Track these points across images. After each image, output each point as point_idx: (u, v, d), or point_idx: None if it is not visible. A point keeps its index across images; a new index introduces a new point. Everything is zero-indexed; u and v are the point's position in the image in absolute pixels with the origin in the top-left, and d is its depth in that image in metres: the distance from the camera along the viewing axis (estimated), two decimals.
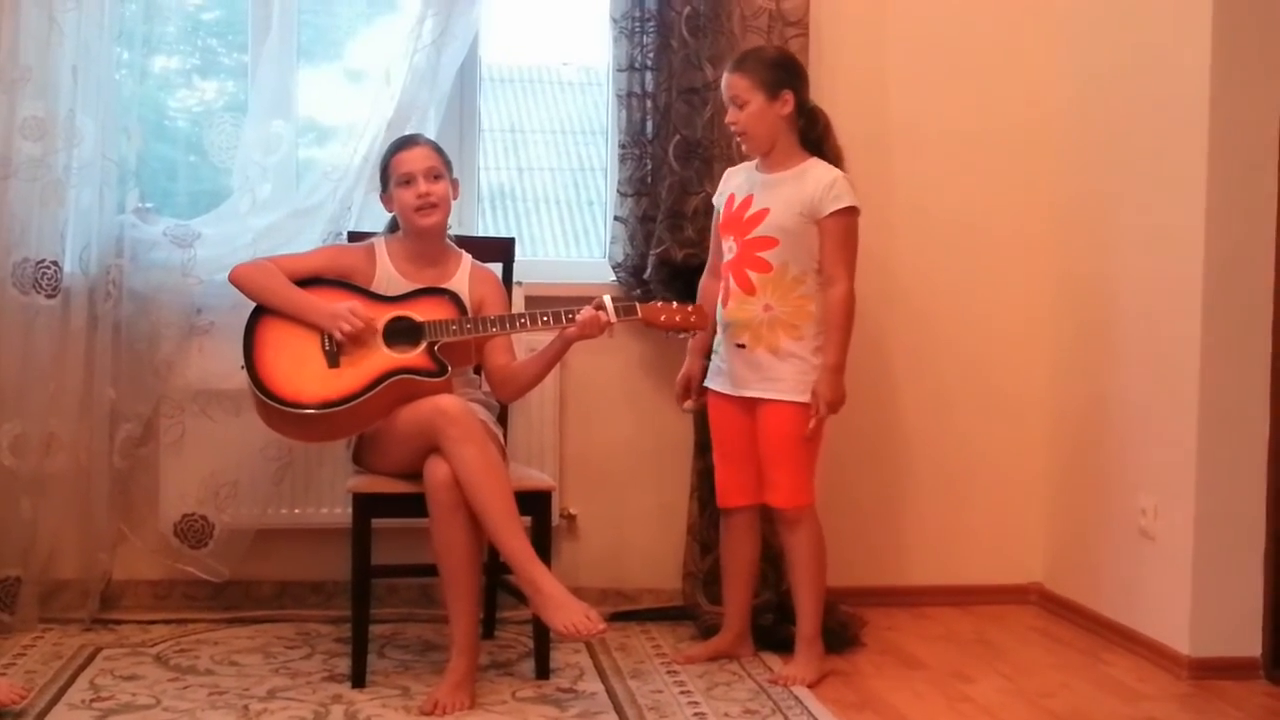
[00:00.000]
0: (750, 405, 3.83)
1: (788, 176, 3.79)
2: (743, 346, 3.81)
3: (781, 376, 3.77)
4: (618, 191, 4.33)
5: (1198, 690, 3.77)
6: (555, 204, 5.65)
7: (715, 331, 3.93)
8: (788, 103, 3.77)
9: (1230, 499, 3.86)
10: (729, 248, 3.85)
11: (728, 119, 3.83)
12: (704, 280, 4.01)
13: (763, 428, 3.81)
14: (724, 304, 3.85)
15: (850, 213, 3.74)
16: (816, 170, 3.77)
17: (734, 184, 3.91)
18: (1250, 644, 3.87)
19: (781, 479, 3.80)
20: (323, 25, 4.51)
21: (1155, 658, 3.97)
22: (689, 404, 4.03)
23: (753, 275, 3.79)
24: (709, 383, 3.95)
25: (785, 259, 3.76)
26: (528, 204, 5.67)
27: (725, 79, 3.82)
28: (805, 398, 3.75)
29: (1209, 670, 3.83)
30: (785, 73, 3.79)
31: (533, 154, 5.67)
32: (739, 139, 3.86)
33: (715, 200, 3.98)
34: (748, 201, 3.83)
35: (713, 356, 3.95)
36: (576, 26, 4.72)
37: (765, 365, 3.78)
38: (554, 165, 5.72)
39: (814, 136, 3.83)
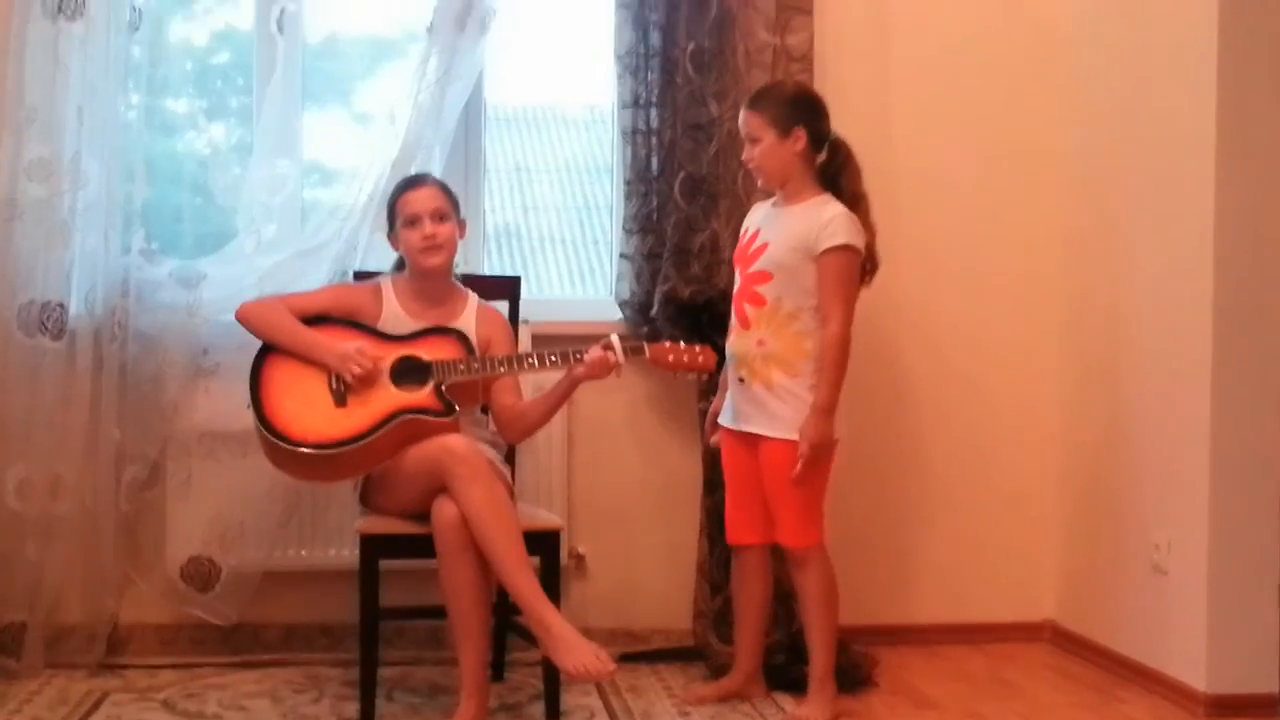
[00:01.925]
0: (753, 441, 3.80)
1: (794, 211, 3.77)
2: (742, 381, 3.79)
3: (778, 414, 3.73)
4: (623, 229, 4.32)
5: None
6: (561, 242, 5.64)
7: None
8: (799, 139, 3.74)
9: (1244, 532, 3.82)
10: (736, 280, 3.85)
11: (743, 155, 3.83)
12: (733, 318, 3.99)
13: (764, 466, 3.78)
14: (728, 338, 3.84)
15: (846, 250, 3.69)
16: (821, 208, 3.74)
17: (753, 218, 3.91)
18: (1268, 680, 3.82)
19: (787, 518, 3.76)
20: (328, 70, 4.52)
21: (1172, 695, 3.93)
22: (715, 439, 3.98)
23: (749, 309, 3.78)
24: (720, 418, 3.93)
25: (779, 294, 3.73)
26: (533, 242, 5.65)
27: (741, 115, 3.81)
28: (797, 435, 3.71)
29: (1226, 708, 3.78)
30: (799, 109, 3.76)
31: (538, 193, 5.68)
32: (754, 173, 3.85)
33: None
34: (754, 235, 3.82)
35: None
36: (579, 65, 4.72)
37: (762, 401, 3.75)
38: (559, 204, 5.71)
39: (832, 170, 3.80)
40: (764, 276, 3.75)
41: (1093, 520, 4.42)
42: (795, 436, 3.69)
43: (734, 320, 3.83)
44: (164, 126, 4.40)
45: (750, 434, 3.80)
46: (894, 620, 4.47)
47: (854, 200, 3.76)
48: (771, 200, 3.88)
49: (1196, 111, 3.86)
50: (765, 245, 3.77)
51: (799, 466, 3.66)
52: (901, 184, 4.45)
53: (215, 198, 4.30)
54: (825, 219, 3.70)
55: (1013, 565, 4.62)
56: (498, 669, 4.05)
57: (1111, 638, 4.27)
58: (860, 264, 3.73)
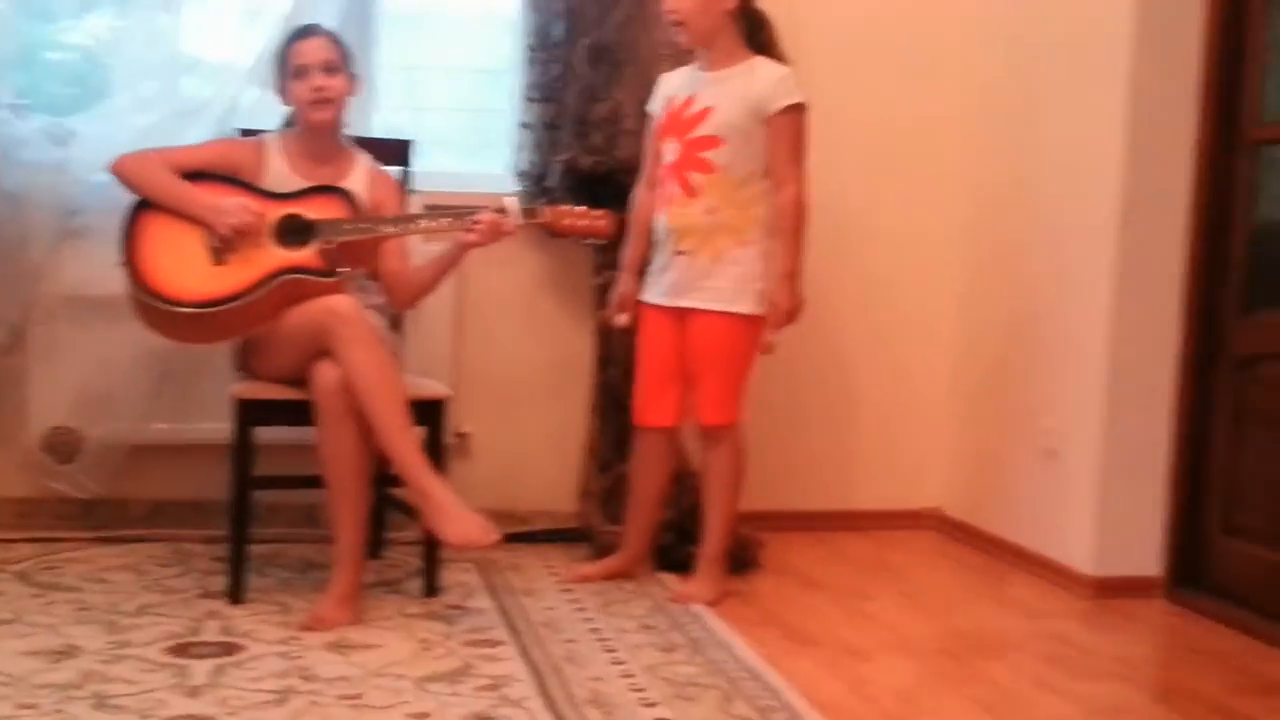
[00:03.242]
0: (683, 316, 3.69)
1: (732, 74, 3.64)
2: (683, 253, 3.67)
3: (720, 285, 3.62)
4: (525, 98, 4.18)
5: (1099, 608, 3.77)
6: (454, 147, 5.49)
7: (649, 245, 3.79)
8: None
9: (1137, 417, 3.85)
10: (671, 150, 3.69)
11: (665, 5, 3.67)
12: (638, 192, 3.85)
13: (694, 338, 3.68)
14: (665, 211, 3.71)
15: (800, 110, 3.60)
16: (764, 67, 3.63)
17: (673, 86, 3.76)
18: (1152, 564, 3.87)
19: (710, 393, 3.68)
20: None
21: (1057, 579, 3.95)
22: (623, 318, 3.85)
23: (695, 177, 3.64)
24: (644, 295, 3.80)
25: (730, 159, 3.61)
26: (424, 147, 5.50)
27: None
28: (742, 308, 3.62)
29: (1111, 590, 3.82)
30: None
31: (429, 96, 5.50)
32: (675, 29, 3.69)
33: (651, 107, 3.83)
34: (689, 101, 3.67)
35: (649, 269, 3.80)
36: None
37: (706, 273, 3.64)
38: (450, 106, 5.55)
39: (760, 40, 3.68)
40: (712, 141, 3.62)
41: (985, 408, 4.42)
42: (733, 309, 3.62)
43: (674, 191, 3.67)
44: None
45: (683, 309, 3.69)
46: (779, 506, 4.42)
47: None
48: (690, 68, 3.75)
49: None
50: (709, 109, 3.63)
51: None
52: (805, 54, 4.32)
53: (89, 50, 4.08)
54: (777, 77, 3.60)
55: (902, 454, 4.61)
56: (374, 547, 3.91)
57: (999, 525, 4.29)
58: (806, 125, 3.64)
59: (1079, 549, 3.88)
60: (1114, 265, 3.82)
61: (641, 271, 3.83)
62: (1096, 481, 3.84)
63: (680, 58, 3.85)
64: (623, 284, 3.86)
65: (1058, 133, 4.09)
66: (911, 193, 4.56)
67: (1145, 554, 3.86)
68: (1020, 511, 4.18)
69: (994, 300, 4.40)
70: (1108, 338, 3.82)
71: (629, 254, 3.85)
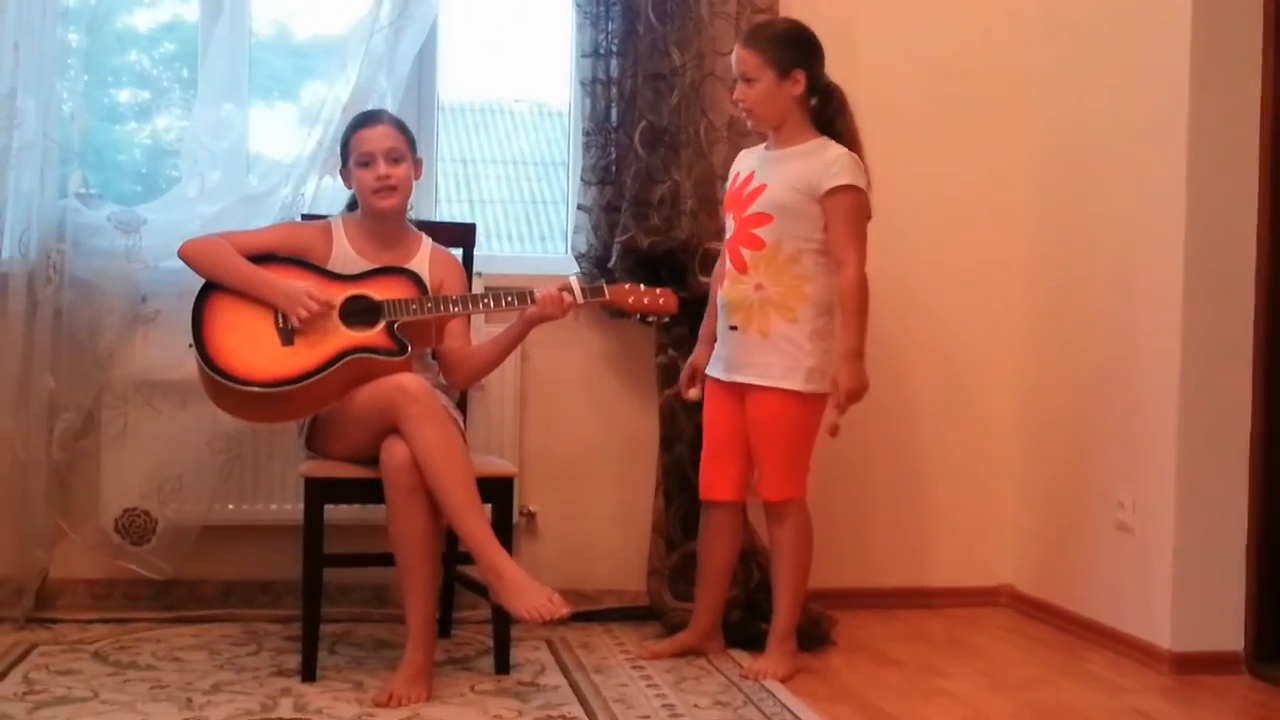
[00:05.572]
0: (741, 392, 3.69)
1: (794, 153, 3.66)
2: (735, 328, 3.68)
3: (770, 361, 3.62)
4: (581, 180, 4.22)
5: (1180, 684, 3.68)
6: (509, 239, 5.56)
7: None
8: (799, 82, 3.63)
9: (1212, 488, 3.77)
10: (730, 226, 3.74)
11: (735, 94, 3.70)
12: (718, 266, 3.86)
13: (751, 416, 3.67)
14: (721, 284, 3.73)
15: (852, 191, 3.59)
16: (825, 148, 3.64)
17: (743, 164, 3.79)
18: (1233, 638, 3.78)
19: (771, 470, 3.66)
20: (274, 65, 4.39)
21: (1135, 654, 3.87)
22: (694, 392, 3.85)
23: (746, 253, 3.66)
24: (708, 369, 3.80)
25: (779, 236, 3.62)
26: (480, 236, 5.62)
27: (735, 53, 3.68)
28: (794, 385, 3.60)
29: (1191, 665, 3.73)
30: (798, 50, 3.64)
31: (486, 187, 5.59)
32: (745, 116, 3.74)
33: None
34: (749, 179, 3.71)
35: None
36: (529, 61, 4.63)
37: (756, 349, 3.64)
38: (506, 198, 5.63)
39: (827, 115, 3.69)
40: (762, 219, 3.65)
41: (1054, 481, 4.36)
42: (785, 385, 3.60)
43: (728, 267, 3.71)
44: (105, 65, 4.23)
45: (739, 384, 3.68)
46: (849, 583, 4.38)
47: (852, 147, 3.66)
48: (763, 145, 3.77)
49: (1169, 75, 3.81)
50: (763, 187, 3.66)
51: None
52: (865, 141, 4.36)
53: (157, 141, 4.16)
54: (829, 159, 3.60)
55: (969, 530, 4.55)
56: (444, 625, 3.92)
57: (1072, 600, 4.21)
58: (867, 205, 3.64)
59: (1157, 624, 3.80)
60: (1181, 333, 3.76)
61: (714, 342, 3.83)
62: (1172, 554, 3.76)
63: (736, 139, 3.91)
64: (695, 353, 3.88)
65: (1119, 202, 4.07)
66: (969, 274, 4.54)
67: (1226, 628, 3.76)
68: (1095, 586, 4.10)
69: (1057, 376, 4.36)
70: (1178, 408, 3.76)
71: (705, 326, 3.87)
